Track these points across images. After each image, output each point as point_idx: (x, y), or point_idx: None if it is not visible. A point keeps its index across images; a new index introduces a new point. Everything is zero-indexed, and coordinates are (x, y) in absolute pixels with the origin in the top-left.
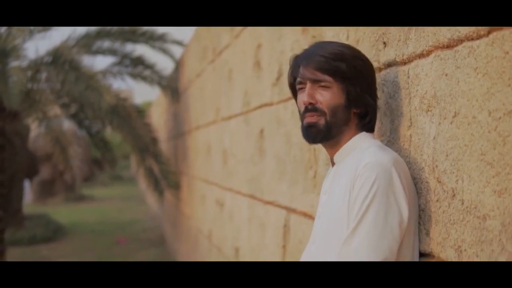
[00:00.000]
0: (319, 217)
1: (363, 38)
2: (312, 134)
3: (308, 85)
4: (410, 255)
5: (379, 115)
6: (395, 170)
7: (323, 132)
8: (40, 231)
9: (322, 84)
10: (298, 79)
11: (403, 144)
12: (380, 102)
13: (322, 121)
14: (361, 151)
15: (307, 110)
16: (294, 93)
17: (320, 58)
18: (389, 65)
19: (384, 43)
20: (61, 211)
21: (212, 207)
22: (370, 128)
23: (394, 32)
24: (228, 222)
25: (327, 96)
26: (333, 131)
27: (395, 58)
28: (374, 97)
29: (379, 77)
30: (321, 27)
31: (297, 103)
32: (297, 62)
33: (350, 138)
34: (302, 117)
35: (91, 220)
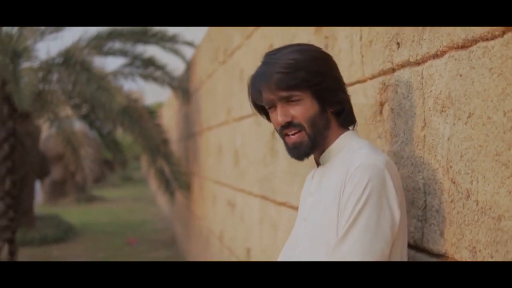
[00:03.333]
0: (305, 220)
1: (376, 39)
2: (300, 153)
3: (279, 105)
4: (400, 259)
5: (393, 115)
6: (388, 172)
7: (309, 147)
8: (51, 231)
9: (293, 99)
10: (266, 104)
11: (417, 145)
12: (394, 103)
13: (305, 137)
14: (351, 151)
15: (284, 127)
16: (258, 110)
17: (278, 75)
18: (403, 65)
19: (398, 43)
20: (72, 212)
21: (223, 207)
22: (349, 121)
23: (407, 32)
24: (240, 222)
25: (300, 110)
26: (318, 140)
27: (408, 58)
28: (344, 89)
29: (393, 78)
30: (334, 27)
31: (268, 120)
32: (256, 86)
33: (336, 136)
34: (282, 135)
35: (102, 221)
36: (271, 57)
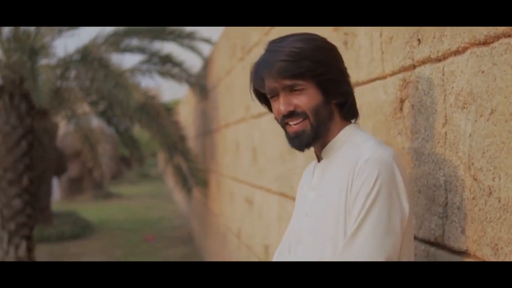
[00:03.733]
0: (307, 215)
1: (397, 35)
2: (301, 143)
3: (281, 94)
4: (408, 253)
5: (413, 112)
6: (396, 165)
7: (312, 137)
8: (69, 228)
9: (296, 88)
10: (268, 93)
11: (438, 142)
12: (414, 100)
13: (307, 126)
14: (356, 145)
15: (286, 117)
16: (259, 98)
17: (282, 63)
18: (424, 62)
19: (419, 40)
20: (89, 209)
21: (241, 204)
22: (352, 114)
23: (428, 29)
24: (258, 219)
25: (304, 99)
26: (321, 131)
27: (429, 55)
28: (348, 81)
29: (414, 74)
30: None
31: (270, 111)
32: (259, 73)
33: (338, 129)
34: (283, 124)
35: (119, 218)
36: (275, 45)
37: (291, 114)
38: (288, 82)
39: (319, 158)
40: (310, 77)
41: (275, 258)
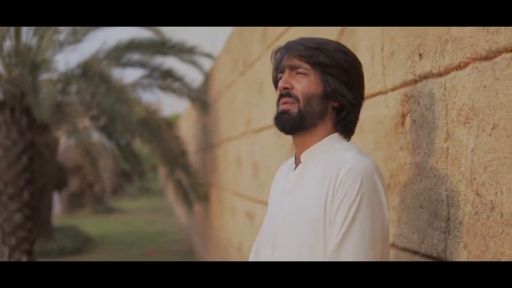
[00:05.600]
0: (283, 219)
1: (398, 50)
2: (283, 121)
3: (286, 72)
4: (385, 257)
5: (415, 127)
6: (377, 176)
7: (295, 120)
8: (69, 242)
9: (300, 71)
10: (279, 70)
11: (440, 157)
12: (416, 115)
13: (295, 109)
14: (337, 152)
15: (281, 96)
16: (276, 85)
17: (300, 46)
18: (425, 77)
19: (420, 55)
20: (89, 223)
21: (242, 219)
22: (345, 127)
23: (430, 44)
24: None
25: (303, 83)
26: (306, 121)
27: (431, 70)
28: (356, 94)
29: (415, 89)
30: (355, 38)
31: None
32: (281, 55)
33: (325, 134)
34: (277, 104)
35: (120, 232)
36: (307, 37)
37: (287, 95)
38: (295, 62)
39: (297, 161)
40: (319, 67)
41: (251, 258)
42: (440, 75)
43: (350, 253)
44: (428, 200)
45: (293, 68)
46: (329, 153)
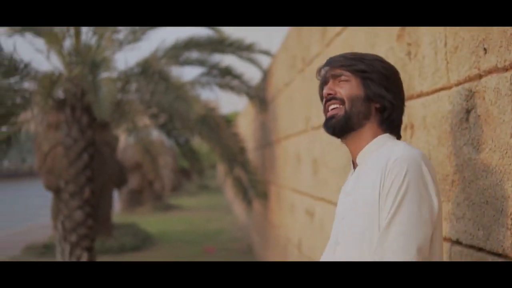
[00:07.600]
0: (343, 219)
1: (462, 45)
2: (331, 124)
3: (330, 81)
4: (439, 251)
5: (480, 122)
6: (424, 163)
7: (342, 122)
8: (129, 240)
9: (342, 78)
10: (323, 83)
11: (506, 152)
12: (481, 110)
13: (341, 112)
14: (386, 149)
15: (327, 100)
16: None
17: (341, 58)
18: (490, 72)
19: (485, 49)
20: (149, 220)
21: (302, 216)
22: (391, 126)
23: (495, 38)
24: (319, 232)
25: (346, 88)
26: (353, 121)
27: (496, 64)
28: (396, 96)
29: (480, 84)
30: (418, 33)
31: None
32: (324, 71)
33: (372, 134)
34: (324, 110)
35: (179, 229)
36: (350, 52)
37: (331, 99)
38: (337, 71)
39: (354, 165)
40: (359, 73)
41: (321, 259)
42: (505, 69)
43: (398, 234)
44: (494, 196)
45: (335, 77)
46: (380, 151)
